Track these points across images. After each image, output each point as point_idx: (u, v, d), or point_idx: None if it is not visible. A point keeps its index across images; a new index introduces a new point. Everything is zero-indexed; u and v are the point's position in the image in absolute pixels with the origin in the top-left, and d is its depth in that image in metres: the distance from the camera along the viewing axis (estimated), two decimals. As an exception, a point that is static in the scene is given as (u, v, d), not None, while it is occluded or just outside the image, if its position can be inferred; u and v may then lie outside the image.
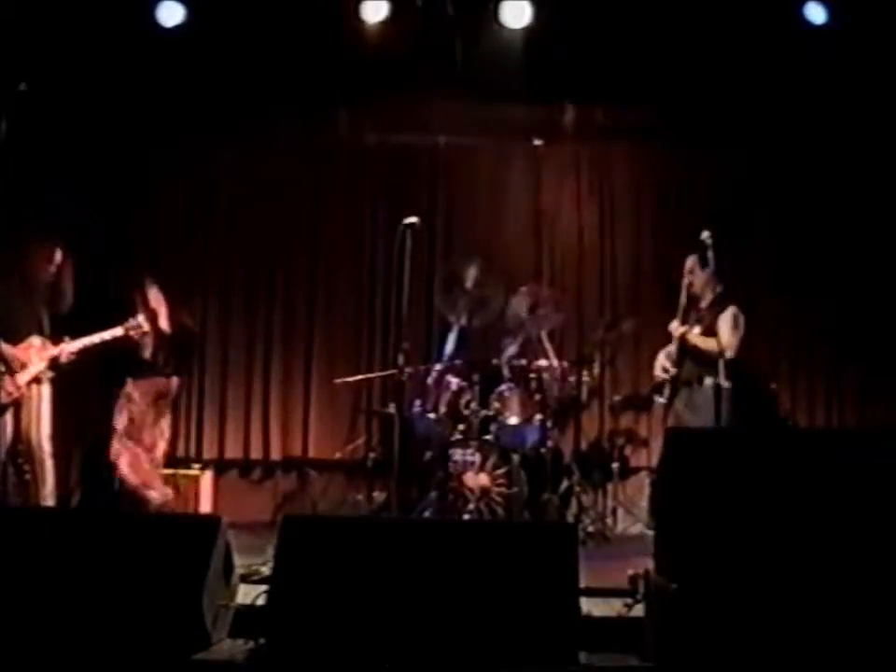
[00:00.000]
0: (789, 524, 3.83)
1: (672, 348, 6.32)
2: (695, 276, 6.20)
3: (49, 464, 5.70)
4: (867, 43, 6.50)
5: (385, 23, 6.68)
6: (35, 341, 5.69)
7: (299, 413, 7.49)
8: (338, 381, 7.10)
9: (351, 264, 7.58)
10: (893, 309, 7.07)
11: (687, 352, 6.14)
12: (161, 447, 6.33)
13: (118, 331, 5.86)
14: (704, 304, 6.22)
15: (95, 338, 5.81)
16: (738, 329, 6.08)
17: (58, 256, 5.82)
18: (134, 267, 6.75)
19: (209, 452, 7.39)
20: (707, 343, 6.01)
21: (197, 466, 7.06)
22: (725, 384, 5.88)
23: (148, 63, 6.71)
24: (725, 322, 6.06)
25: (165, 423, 6.40)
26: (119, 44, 6.59)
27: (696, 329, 6.12)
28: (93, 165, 7.07)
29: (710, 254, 5.81)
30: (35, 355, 5.66)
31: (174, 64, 6.77)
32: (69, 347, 5.74)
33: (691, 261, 6.21)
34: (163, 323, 6.09)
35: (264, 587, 4.18)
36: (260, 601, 4.14)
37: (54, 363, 5.72)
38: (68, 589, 3.99)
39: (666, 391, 6.30)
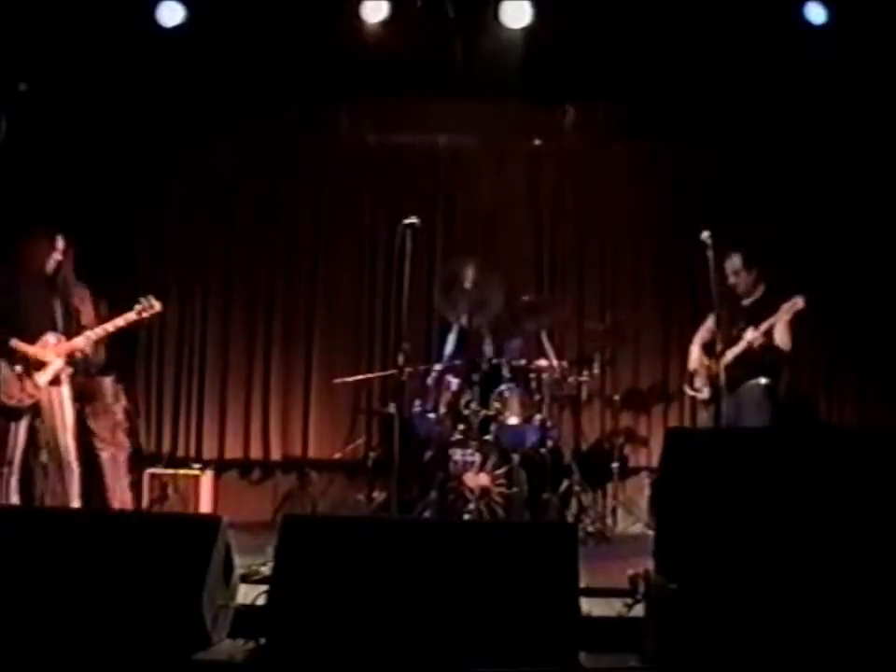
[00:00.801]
0: (789, 523, 3.83)
1: (704, 335, 6.39)
2: (740, 277, 6.27)
3: (75, 465, 5.67)
4: (867, 43, 6.50)
5: (385, 23, 6.67)
6: (51, 338, 5.63)
7: (299, 413, 7.49)
8: (338, 381, 7.10)
9: (351, 264, 7.58)
10: (893, 309, 7.07)
11: (746, 355, 6.12)
12: (111, 448, 6.20)
13: (131, 316, 5.81)
14: (747, 303, 6.25)
15: (109, 326, 5.77)
16: (792, 328, 6.12)
17: (60, 243, 5.76)
18: (134, 265, 6.76)
19: (209, 452, 7.39)
20: (773, 348, 6.08)
21: (197, 466, 7.07)
22: (764, 381, 6.08)
23: (148, 63, 6.70)
24: (781, 323, 6.09)
25: (112, 422, 6.29)
26: (119, 44, 6.58)
27: (751, 332, 6.10)
28: (92, 166, 7.07)
29: (710, 254, 5.81)
30: (52, 352, 5.62)
31: (174, 64, 6.76)
32: (85, 340, 5.70)
33: (737, 262, 6.25)
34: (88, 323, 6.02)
35: (264, 587, 4.17)
36: (260, 601, 4.14)
37: (72, 358, 5.69)
38: (68, 589, 3.99)
39: (704, 387, 6.32)
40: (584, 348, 7.31)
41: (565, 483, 6.72)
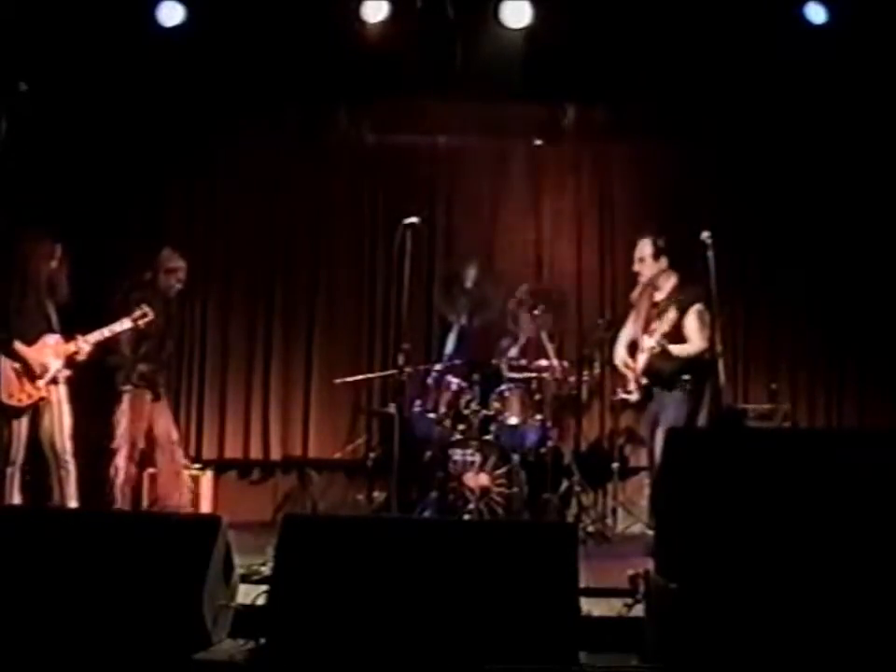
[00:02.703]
0: (789, 523, 3.83)
1: (626, 334, 6.27)
2: (645, 265, 6.11)
3: (72, 466, 5.72)
4: (867, 43, 6.50)
5: (385, 24, 6.68)
6: (49, 339, 5.72)
7: (299, 413, 7.49)
8: (338, 381, 7.10)
9: (351, 264, 7.58)
10: (893, 308, 7.07)
11: (659, 358, 5.92)
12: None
13: (126, 323, 5.93)
14: (659, 297, 6.08)
15: (106, 331, 5.89)
16: (706, 326, 5.79)
17: (58, 251, 5.85)
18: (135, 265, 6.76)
19: (209, 452, 7.39)
20: (683, 350, 5.88)
21: (197, 466, 7.06)
22: (685, 377, 5.88)
23: (148, 63, 6.70)
24: (692, 322, 5.90)
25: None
26: (119, 44, 6.59)
27: (664, 327, 5.82)
28: (92, 166, 7.07)
29: (710, 253, 5.79)
30: (51, 354, 5.68)
31: (174, 64, 6.76)
32: (85, 343, 5.79)
33: (646, 249, 6.09)
34: None
35: (264, 587, 4.18)
36: (260, 601, 4.14)
37: (71, 360, 5.75)
38: (68, 589, 3.99)
39: (634, 390, 6.19)
40: (584, 348, 7.30)
41: (565, 483, 6.73)
